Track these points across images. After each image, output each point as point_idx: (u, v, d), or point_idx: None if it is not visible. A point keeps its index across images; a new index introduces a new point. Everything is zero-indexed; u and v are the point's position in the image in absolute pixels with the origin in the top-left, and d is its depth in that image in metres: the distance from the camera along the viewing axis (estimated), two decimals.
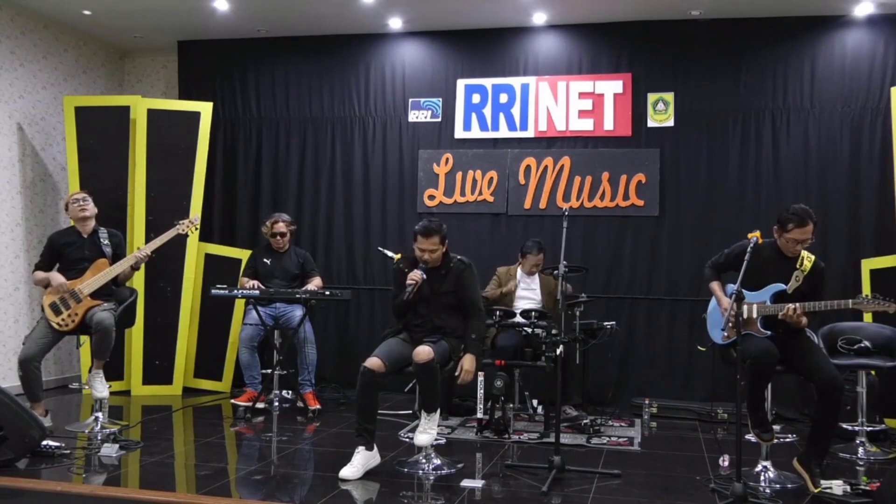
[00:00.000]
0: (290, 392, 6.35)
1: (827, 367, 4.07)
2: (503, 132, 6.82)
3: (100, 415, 5.08)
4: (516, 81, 6.83)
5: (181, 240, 5.98)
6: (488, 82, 6.88)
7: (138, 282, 6.30)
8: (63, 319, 5.06)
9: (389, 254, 6.05)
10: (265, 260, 6.27)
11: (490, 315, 5.51)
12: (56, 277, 5.14)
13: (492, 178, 6.78)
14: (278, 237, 6.25)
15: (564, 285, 4.57)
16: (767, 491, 4.10)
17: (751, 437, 4.35)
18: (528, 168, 6.72)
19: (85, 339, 5.46)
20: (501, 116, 6.83)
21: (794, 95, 6.36)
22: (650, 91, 6.58)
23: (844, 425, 5.03)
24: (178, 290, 6.61)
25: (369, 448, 4.28)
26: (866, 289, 5.72)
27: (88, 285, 5.12)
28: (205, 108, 6.76)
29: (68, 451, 4.52)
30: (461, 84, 6.93)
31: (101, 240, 5.31)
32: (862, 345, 5.08)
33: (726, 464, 4.49)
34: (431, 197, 6.90)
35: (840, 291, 5.40)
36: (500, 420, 5.26)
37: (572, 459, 4.51)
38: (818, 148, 6.30)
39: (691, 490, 4.12)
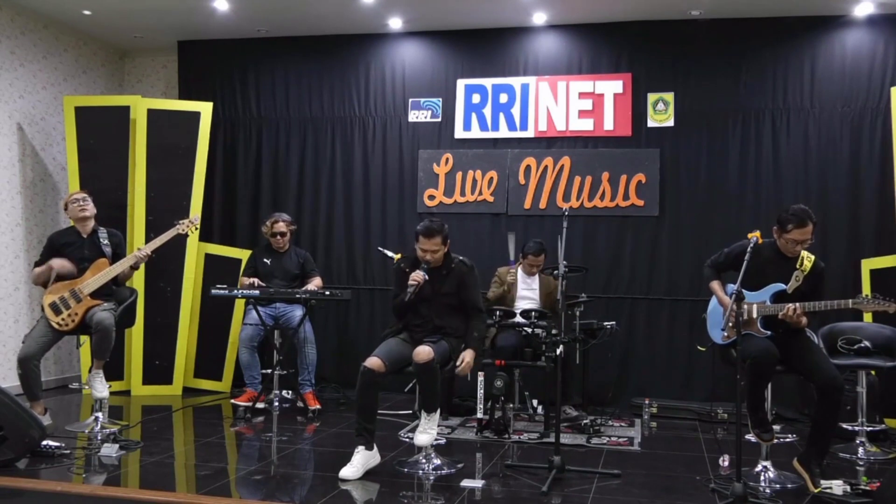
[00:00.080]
0: (290, 392, 6.35)
1: (827, 367, 4.07)
2: (503, 132, 6.82)
3: (100, 415, 5.08)
4: (516, 81, 6.83)
5: (181, 240, 5.98)
6: (488, 82, 6.88)
7: (138, 282, 6.30)
8: (63, 319, 5.06)
9: (389, 254, 6.06)
10: (265, 260, 6.28)
11: (490, 315, 5.50)
12: (56, 260, 5.12)
13: (492, 178, 6.78)
14: (278, 237, 6.25)
15: (563, 285, 4.57)
16: (767, 491, 4.10)
17: (751, 437, 4.35)
18: (528, 168, 6.72)
19: (85, 339, 5.46)
20: (501, 116, 6.83)
21: (794, 95, 6.36)
22: (650, 91, 6.59)
23: (844, 425, 5.03)
24: (178, 290, 6.61)
25: (369, 448, 4.28)
26: (866, 289, 5.72)
27: (88, 285, 5.11)
28: (205, 108, 6.76)
29: (68, 451, 4.52)
30: (461, 84, 6.93)
31: (101, 240, 5.31)
32: (862, 345, 5.08)
33: (726, 464, 4.49)
34: (431, 197, 6.90)
35: (840, 291, 5.39)
36: (500, 420, 5.26)
37: (572, 459, 4.51)
38: (818, 148, 6.30)
39: (691, 490, 4.12)
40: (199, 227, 5.90)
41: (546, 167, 6.69)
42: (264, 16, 6.76)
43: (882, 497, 3.81)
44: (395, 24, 6.84)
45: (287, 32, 7.14)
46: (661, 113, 6.56)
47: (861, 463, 4.76)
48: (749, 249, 4.04)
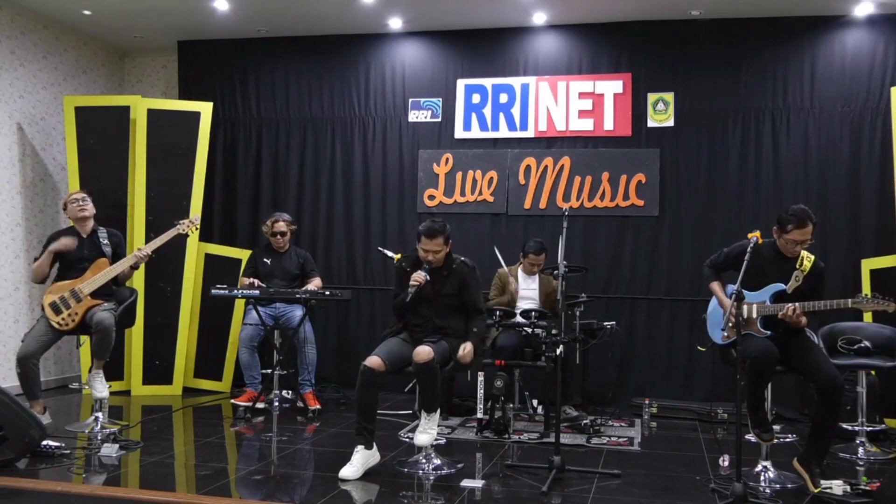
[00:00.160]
0: (290, 392, 6.35)
1: (827, 367, 4.07)
2: (503, 132, 6.82)
3: (100, 415, 5.08)
4: (516, 81, 6.83)
5: (181, 240, 5.98)
6: (488, 82, 6.88)
7: (138, 282, 6.30)
8: (63, 319, 5.06)
9: (389, 254, 6.06)
10: (265, 260, 6.28)
11: (490, 315, 5.51)
12: (54, 244, 5.12)
13: (492, 178, 6.78)
14: (279, 236, 6.25)
15: (563, 285, 4.57)
16: (767, 491, 4.10)
17: (751, 437, 4.35)
18: (528, 168, 6.72)
19: (85, 338, 5.46)
20: (501, 116, 6.83)
21: (794, 95, 6.36)
22: (650, 91, 6.58)
23: (844, 425, 5.03)
24: (178, 290, 6.61)
25: (368, 447, 4.28)
26: (866, 289, 5.72)
27: (88, 285, 5.12)
28: (205, 108, 6.76)
29: (68, 451, 4.52)
30: (461, 84, 6.93)
31: (101, 239, 5.31)
32: (862, 345, 5.08)
33: (726, 464, 4.49)
34: (431, 197, 6.90)
35: (840, 291, 5.38)
36: (500, 420, 5.26)
37: (572, 459, 4.51)
38: (818, 148, 6.30)
39: (691, 490, 4.12)
40: (199, 227, 5.90)
41: (546, 167, 6.69)
42: (264, 16, 6.76)
43: (882, 497, 3.81)
44: (395, 24, 6.84)
45: (287, 32, 7.14)
46: (661, 113, 6.56)
47: (861, 463, 4.76)
48: (749, 249, 4.04)
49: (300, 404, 5.98)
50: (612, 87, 6.65)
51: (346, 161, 7.13)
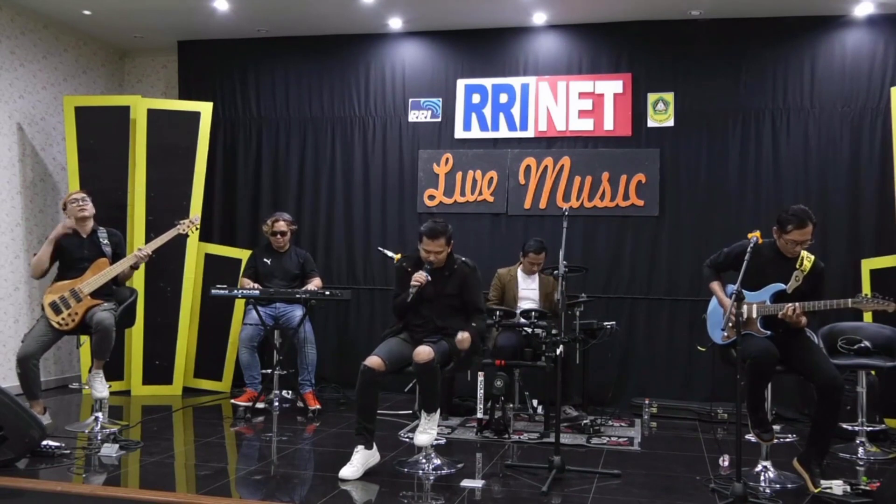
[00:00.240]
0: (290, 392, 6.35)
1: (827, 367, 4.07)
2: (503, 132, 6.82)
3: (100, 415, 5.08)
4: (516, 81, 6.83)
5: (181, 240, 5.98)
6: (488, 82, 6.88)
7: (138, 282, 6.30)
8: (63, 319, 5.06)
9: (389, 254, 6.06)
10: (265, 260, 6.28)
11: (490, 315, 5.51)
12: (54, 231, 5.13)
13: (492, 178, 6.78)
14: (279, 236, 6.25)
15: (563, 285, 4.57)
16: (767, 491, 4.10)
17: (751, 437, 4.35)
18: (528, 168, 6.72)
19: (85, 339, 5.45)
20: (501, 116, 6.83)
21: (794, 95, 6.36)
22: (650, 91, 6.58)
23: (844, 425, 5.03)
24: (178, 290, 6.61)
25: (368, 447, 4.28)
26: (866, 289, 5.71)
27: (89, 284, 5.12)
28: (205, 108, 6.76)
29: (68, 451, 4.52)
30: (461, 84, 6.93)
31: (101, 239, 5.31)
32: (862, 345, 5.08)
33: (726, 464, 4.49)
34: (431, 197, 6.90)
35: (840, 291, 5.38)
36: (500, 420, 5.26)
37: (572, 459, 4.51)
38: (818, 148, 6.30)
39: (691, 490, 4.12)
40: (199, 227, 5.90)
41: (546, 167, 6.69)
42: (264, 16, 6.76)
43: (882, 497, 3.81)
44: (395, 24, 6.84)
45: (287, 32, 7.14)
46: (661, 113, 6.56)
47: (861, 463, 4.76)
48: (749, 249, 4.04)
49: (300, 404, 5.98)
50: (612, 87, 6.65)
51: (346, 161, 7.13)
